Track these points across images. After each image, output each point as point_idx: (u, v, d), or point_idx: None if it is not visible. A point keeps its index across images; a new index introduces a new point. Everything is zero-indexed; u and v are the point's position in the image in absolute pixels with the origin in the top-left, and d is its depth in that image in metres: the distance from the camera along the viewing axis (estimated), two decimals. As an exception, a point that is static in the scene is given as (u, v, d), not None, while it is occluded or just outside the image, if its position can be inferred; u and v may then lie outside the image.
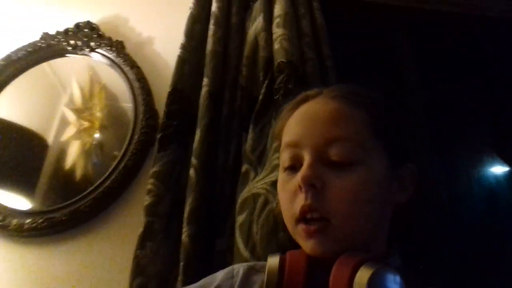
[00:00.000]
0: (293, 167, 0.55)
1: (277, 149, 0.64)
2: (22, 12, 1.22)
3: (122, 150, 1.02)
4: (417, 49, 1.24)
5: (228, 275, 0.58)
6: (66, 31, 1.16)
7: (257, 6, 1.01)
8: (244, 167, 0.82)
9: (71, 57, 1.17)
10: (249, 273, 0.58)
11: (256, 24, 0.98)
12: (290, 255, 0.52)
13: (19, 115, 1.13)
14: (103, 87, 1.14)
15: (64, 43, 1.15)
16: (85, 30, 1.15)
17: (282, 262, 0.51)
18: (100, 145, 1.08)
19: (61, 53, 1.16)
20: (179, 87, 0.97)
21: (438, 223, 0.88)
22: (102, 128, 1.09)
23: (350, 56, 1.12)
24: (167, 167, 0.89)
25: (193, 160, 0.86)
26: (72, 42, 1.15)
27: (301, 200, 0.51)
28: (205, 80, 0.95)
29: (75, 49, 1.15)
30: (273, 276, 0.50)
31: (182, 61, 1.00)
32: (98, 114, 1.11)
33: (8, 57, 1.14)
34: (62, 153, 1.07)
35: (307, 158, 0.52)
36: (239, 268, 0.59)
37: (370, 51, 1.20)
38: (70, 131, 1.10)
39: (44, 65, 1.17)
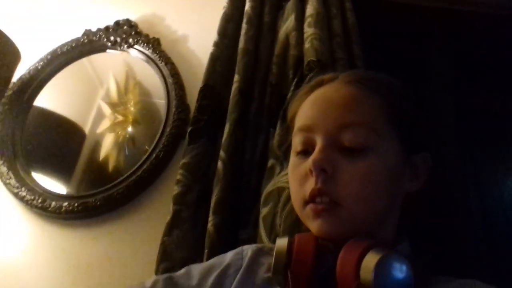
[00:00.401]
0: (305, 152, 0.55)
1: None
2: (67, 10, 1.30)
3: (154, 142, 1.06)
4: (450, 50, 1.22)
5: (238, 256, 0.60)
6: (107, 28, 1.22)
7: (289, 6, 1.03)
8: (270, 162, 0.84)
9: (110, 53, 1.23)
10: (257, 254, 0.59)
11: (287, 24, 1.00)
12: (298, 238, 0.52)
13: (61, 106, 1.20)
14: (137, 82, 1.19)
15: (104, 39, 1.21)
16: (124, 27, 1.21)
17: (290, 244, 0.51)
18: (132, 138, 1.13)
19: (101, 49, 1.23)
20: (211, 83, 1.00)
21: (464, 226, 0.87)
22: (135, 123, 1.14)
23: (381, 57, 1.12)
24: (196, 159, 0.92)
25: (222, 153, 0.89)
26: (112, 38, 1.21)
27: (311, 184, 0.51)
28: (236, 77, 0.98)
29: (115, 45, 1.20)
30: (281, 257, 0.50)
31: (214, 58, 1.03)
32: (132, 109, 1.16)
33: (54, 51, 1.22)
34: (97, 144, 1.13)
35: (319, 143, 0.52)
36: (248, 249, 0.60)
37: (401, 52, 1.19)
38: (105, 123, 1.15)
39: (85, 60, 1.24)
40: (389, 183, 0.52)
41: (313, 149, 0.53)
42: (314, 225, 0.51)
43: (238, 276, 0.56)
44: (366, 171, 0.50)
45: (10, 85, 1.16)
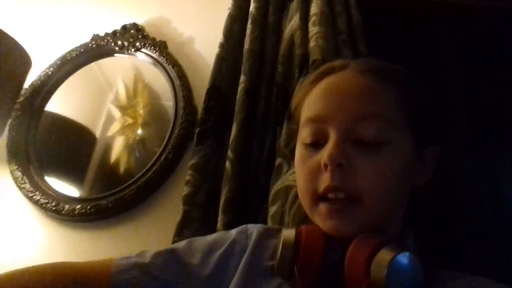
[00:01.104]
0: (315, 143, 0.52)
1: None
2: (75, 16, 1.33)
3: (163, 144, 1.07)
4: (458, 45, 1.20)
5: (242, 235, 0.57)
6: (114, 32, 1.24)
7: (294, 5, 1.03)
8: (278, 161, 0.84)
9: (118, 57, 1.24)
10: (263, 236, 0.57)
11: (292, 23, 1.00)
12: (306, 231, 0.50)
13: (71, 111, 1.22)
14: (146, 85, 1.20)
15: (112, 44, 1.23)
16: (131, 31, 1.23)
17: (297, 237, 0.49)
18: (142, 141, 1.14)
19: (109, 53, 1.24)
20: (217, 84, 1.01)
21: (474, 223, 0.86)
22: (144, 125, 1.15)
23: (387, 53, 1.11)
24: (204, 159, 0.94)
25: (229, 153, 0.90)
26: (119, 42, 1.22)
27: (325, 180, 0.48)
28: (242, 77, 0.98)
29: (122, 49, 1.22)
30: (288, 252, 0.48)
31: (220, 59, 1.04)
32: (141, 111, 1.17)
33: (64, 57, 1.24)
34: (107, 147, 1.15)
35: (333, 135, 0.49)
36: (253, 229, 0.58)
37: (408, 48, 1.17)
38: (115, 127, 1.17)
39: (93, 65, 1.25)
40: (402, 177, 0.50)
41: (325, 141, 0.50)
42: (326, 225, 0.49)
43: (244, 259, 0.54)
44: (382, 166, 0.48)
45: (22, 91, 1.19)
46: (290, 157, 0.82)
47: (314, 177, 0.50)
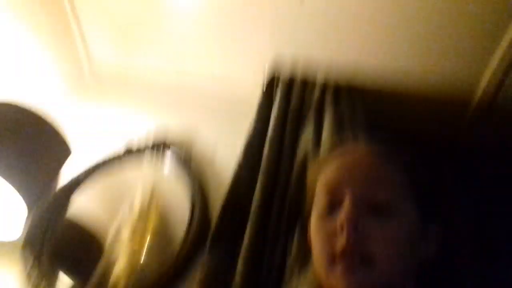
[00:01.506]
0: (331, 211, 0.56)
1: None
2: (107, 127, 1.47)
3: (173, 259, 1.06)
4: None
5: None
6: (143, 144, 1.34)
7: (307, 130, 1.13)
8: (289, 268, 0.83)
9: (143, 168, 1.31)
10: None
11: (305, 146, 1.09)
12: None
13: (89, 215, 1.24)
14: (160, 204, 1.23)
15: (140, 156, 1.32)
16: (158, 145, 1.33)
17: None
18: (143, 270, 1.11)
19: (136, 164, 1.32)
20: (233, 201, 1.06)
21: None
22: (149, 253, 1.15)
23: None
24: (214, 274, 0.92)
25: (239, 266, 0.89)
26: (146, 154, 1.32)
27: (341, 241, 0.52)
28: (257, 194, 1.03)
29: (149, 161, 1.31)
30: None
31: (237, 177, 1.10)
32: (148, 236, 1.17)
33: (95, 164, 1.33)
34: (109, 267, 1.12)
35: (349, 201, 0.54)
36: None
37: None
38: (121, 248, 1.15)
39: (118, 174, 1.31)
40: (410, 245, 0.54)
41: (339, 207, 0.55)
42: (343, 283, 0.50)
43: None
44: (393, 231, 0.53)
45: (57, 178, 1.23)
46: (301, 264, 0.80)
47: (330, 239, 0.54)
